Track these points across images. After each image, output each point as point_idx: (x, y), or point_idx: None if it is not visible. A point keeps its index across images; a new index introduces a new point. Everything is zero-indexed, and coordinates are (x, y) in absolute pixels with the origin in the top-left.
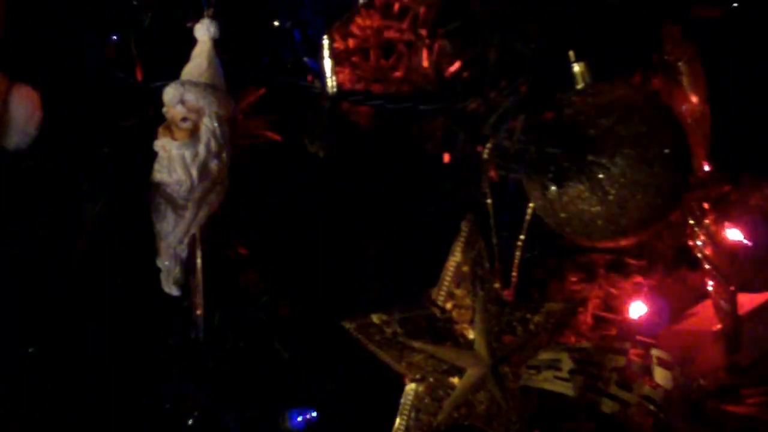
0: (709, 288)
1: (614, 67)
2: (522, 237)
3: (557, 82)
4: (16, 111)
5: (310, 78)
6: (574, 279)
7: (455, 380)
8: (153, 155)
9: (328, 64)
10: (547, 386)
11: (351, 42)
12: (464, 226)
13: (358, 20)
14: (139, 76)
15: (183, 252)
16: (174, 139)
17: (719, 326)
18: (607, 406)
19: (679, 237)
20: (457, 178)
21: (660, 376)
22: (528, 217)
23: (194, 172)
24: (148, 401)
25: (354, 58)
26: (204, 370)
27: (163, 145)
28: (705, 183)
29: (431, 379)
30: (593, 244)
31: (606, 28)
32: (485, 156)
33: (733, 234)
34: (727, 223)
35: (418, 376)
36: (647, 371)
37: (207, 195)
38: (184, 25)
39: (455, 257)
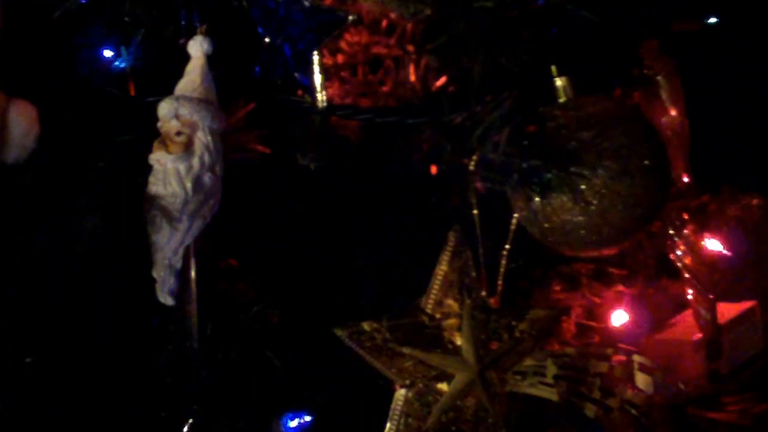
0: (690, 297)
1: (595, 82)
2: (507, 247)
3: (540, 97)
4: (15, 125)
5: (300, 93)
6: (557, 288)
7: (444, 386)
8: (148, 169)
9: (317, 79)
10: (532, 391)
11: (340, 57)
12: (451, 237)
13: (347, 36)
14: (132, 92)
15: (178, 263)
16: (169, 152)
17: (700, 335)
18: (591, 411)
19: (659, 247)
20: (444, 189)
21: (641, 381)
22: (513, 228)
23: (188, 185)
24: (142, 410)
25: (343, 74)
26: (198, 379)
27: (158, 158)
28: (684, 194)
29: (420, 385)
30: (576, 253)
31: (587, 43)
32: (471, 168)
33: (712, 244)
34: (706, 234)
35: (407, 382)
36: (629, 377)
37: (201, 207)
38: (176, 41)
39: (442, 267)
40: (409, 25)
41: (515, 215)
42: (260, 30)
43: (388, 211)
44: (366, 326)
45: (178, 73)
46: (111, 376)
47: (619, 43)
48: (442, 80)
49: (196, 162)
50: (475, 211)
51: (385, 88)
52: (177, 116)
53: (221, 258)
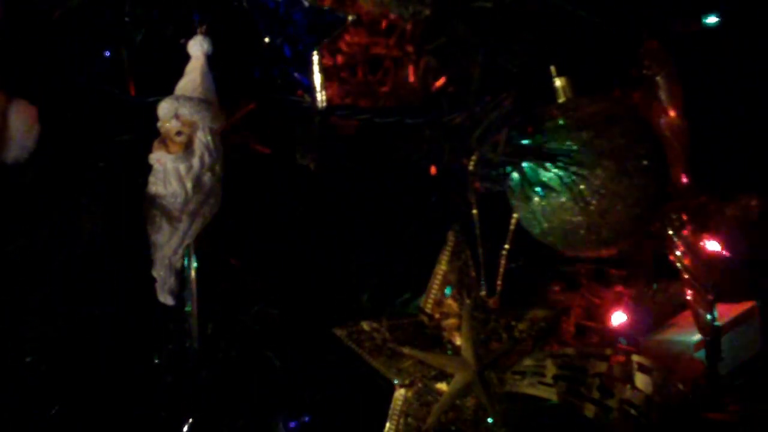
0: (689, 298)
1: (594, 82)
2: (507, 247)
3: (540, 97)
4: (15, 125)
5: (300, 93)
6: (557, 288)
7: (443, 386)
8: (148, 169)
9: (317, 79)
10: (532, 391)
11: (339, 58)
12: (450, 237)
13: (347, 37)
14: (132, 92)
15: (178, 262)
16: (169, 152)
17: (699, 336)
18: (590, 411)
19: (658, 247)
20: (444, 189)
21: (641, 381)
22: (512, 228)
23: (189, 185)
24: (142, 409)
25: (342, 74)
26: (198, 379)
27: (158, 158)
28: (683, 194)
29: (420, 385)
30: (575, 253)
31: (586, 43)
32: (470, 168)
33: (711, 244)
34: (705, 234)
35: (407, 382)
36: (629, 377)
37: (201, 207)
38: (177, 41)
39: (442, 266)
40: (409, 26)
41: (515, 215)
42: (260, 30)
43: (388, 210)
44: (366, 326)
45: (178, 73)
46: (111, 376)
47: (618, 43)
48: (442, 81)
49: (196, 162)
50: (474, 211)
51: (384, 89)
52: (177, 116)
53: (221, 258)
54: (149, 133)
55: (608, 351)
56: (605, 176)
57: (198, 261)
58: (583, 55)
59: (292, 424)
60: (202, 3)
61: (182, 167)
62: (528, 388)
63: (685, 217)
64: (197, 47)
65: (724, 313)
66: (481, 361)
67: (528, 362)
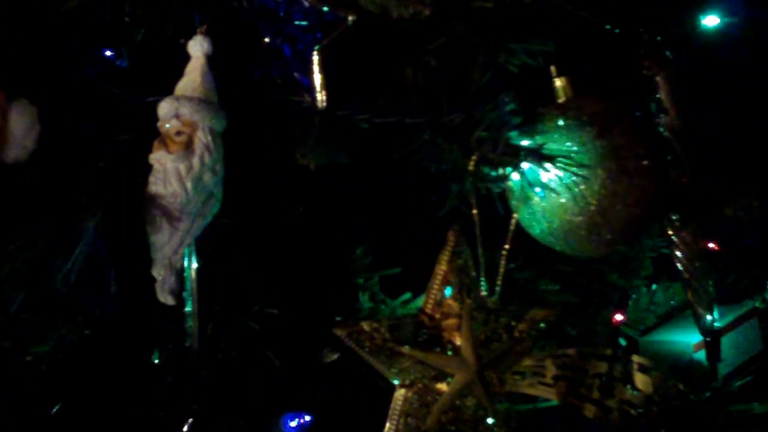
0: (689, 298)
1: (594, 82)
2: (507, 247)
3: (539, 97)
4: (15, 125)
5: (300, 93)
6: (557, 288)
7: (443, 386)
8: (148, 169)
9: (317, 79)
10: (532, 392)
11: (340, 57)
12: (451, 237)
13: (347, 37)
14: (133, 92)
15: (178, 262)
16: (169, 152)
17: (699, 336)
18: (590, 411)
19: (658, 247)
20: (444, 189)
21: (641, 381)
22: (512, 228)
23: (189, 185)
24: (141, 409)
25: (343, 74)
26: (198, 379)
27: (158, 158)
28: (683, 194)
29: (420, 385)
30: (575, 253)
31: (587, 43)
32: (471, 168)
33: (711, 244)
34: (705, 234)
35: (407, 382)
36: (629, 377)
37: (201, 207)
38: (176, 41)
39: (442, 266)
40: (409, 26)
41: (515, 215)
42: (260, 30)
43: (388, 210)
44: (365, 326)
45: (178, 73)
46: (111, 376)
47: (619, 44)
48: (442, 81)
49: (196, 162)
50: (475, 211)
51: (385, 89)
52: (177, 116)
53: (221, 258)
54: (149, 133)
55: (608, 351)
56: (605, 176)
57: (198, 261)
58: (583, 55)
59: (292, 425)
60: (202, 3)
61: (182, 167)
62: (528, 388)
63: (685, 217)
64: (197, 47)
65: (724, 313)
66: (481, 361)
67: (528, 362)
